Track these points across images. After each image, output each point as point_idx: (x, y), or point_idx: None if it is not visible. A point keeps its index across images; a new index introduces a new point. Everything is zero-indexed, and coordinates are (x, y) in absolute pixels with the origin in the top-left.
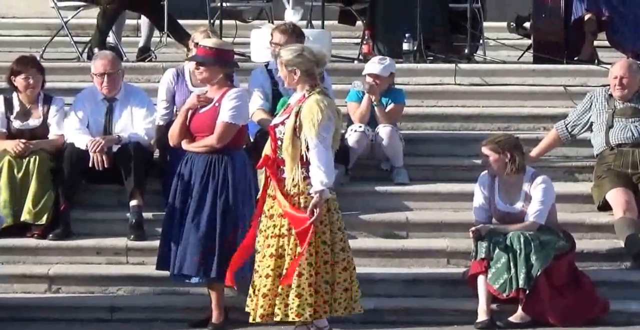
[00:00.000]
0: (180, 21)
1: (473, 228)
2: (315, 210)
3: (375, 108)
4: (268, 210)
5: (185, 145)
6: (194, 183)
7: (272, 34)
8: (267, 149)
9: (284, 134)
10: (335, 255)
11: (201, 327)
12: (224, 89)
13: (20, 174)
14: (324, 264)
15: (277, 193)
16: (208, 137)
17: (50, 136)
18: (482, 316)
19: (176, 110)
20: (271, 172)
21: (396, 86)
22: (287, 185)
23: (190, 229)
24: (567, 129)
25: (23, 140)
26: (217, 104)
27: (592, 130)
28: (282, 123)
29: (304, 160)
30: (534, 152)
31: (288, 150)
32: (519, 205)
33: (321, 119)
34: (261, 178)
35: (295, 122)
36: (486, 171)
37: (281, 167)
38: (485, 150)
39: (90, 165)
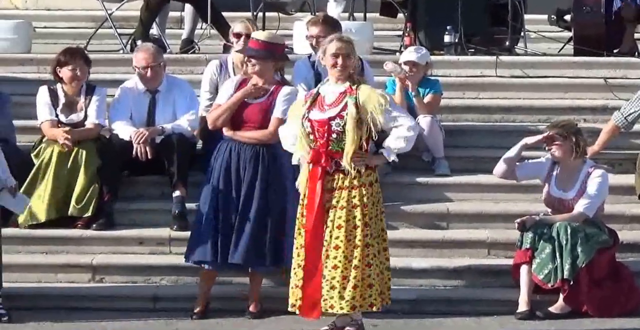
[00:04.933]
0: (224, 13)
1: (518, 220)
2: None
3: (414, 99)
4: (338, 201)
5: (230, 132)
6: (245, 173)
7: (307, 29)
8: (305, 145)
9: (342, 126)
10: (379, 247)
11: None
12: (276, 83)
13: (68, 168)
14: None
15: (340, 184)
16: (259, 130)
17: (88, 124)
18: (522, 306)
19: None
20: (327, 166)
21: (437, 78)
22: (348, 178)
23: (249, 218)
24: (625, 119)
25: (67, 129)
26: (271, 99)
27: None
28: (339, 116)
29: (362, 149)
30: (596, 145)
31: (354, 141)
32: (571, 193)
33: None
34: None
35: (357, 112)
36: (548, 155)
37: (336, 159)
38: (551, 134)
39: (133, 156)
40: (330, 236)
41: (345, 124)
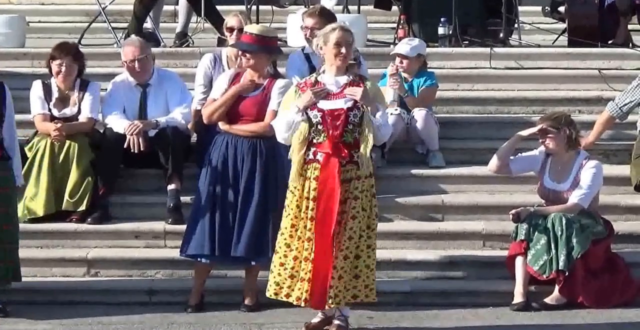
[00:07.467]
0: (218, 6)
1: (513, 211)
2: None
3: (405, 99)
4: (352, 192)
5: (226, 126)
6: (243, 166)
7: (302, 19)
8: (300, 135)
9: (359, 117)
10: (369, 240)
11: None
12: (269, 76)
13: (60, 161)
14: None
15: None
16: (255, 123)
17: (81, 118)
18: (518, 298)
19: None
20: (347, 156)
21: (432, 70)
22: (362, 168)
23: (250, 211)
24: (620, 109)
25: (59, 125)
26: (266, 92)
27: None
28: (356, 107)
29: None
30: (590, 136)
31: (372, 132)
32: (565, 185)
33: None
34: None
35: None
36: (542, 148)
37: (349, 151)
38: (544, 127)
39: (125, 146)
40: (345, 228)
41: (362, 115)
